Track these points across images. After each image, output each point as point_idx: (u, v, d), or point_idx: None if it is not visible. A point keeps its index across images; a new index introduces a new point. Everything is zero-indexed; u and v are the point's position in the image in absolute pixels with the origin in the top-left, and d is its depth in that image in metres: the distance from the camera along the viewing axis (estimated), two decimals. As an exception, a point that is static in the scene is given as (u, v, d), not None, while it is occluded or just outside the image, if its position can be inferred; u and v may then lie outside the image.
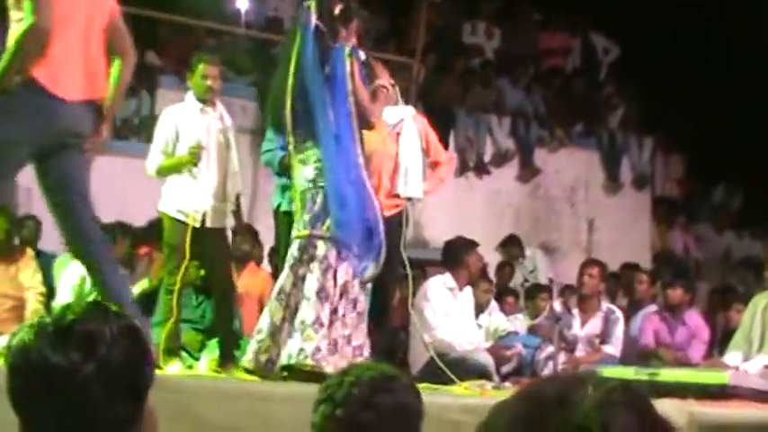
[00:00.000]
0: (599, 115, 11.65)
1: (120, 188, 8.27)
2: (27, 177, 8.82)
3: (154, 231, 7.14)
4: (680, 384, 5.81)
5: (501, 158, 10.75)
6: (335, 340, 4.58)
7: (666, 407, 5.14)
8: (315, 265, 4.63)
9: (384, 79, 5.09)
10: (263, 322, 4.69)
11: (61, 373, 1.64)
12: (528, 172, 10.86)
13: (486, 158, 10.67)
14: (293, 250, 4.72)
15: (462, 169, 10.34)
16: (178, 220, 5.68)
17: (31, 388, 1.67)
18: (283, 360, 4.55)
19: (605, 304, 7.32)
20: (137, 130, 9.40)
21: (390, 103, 5.36)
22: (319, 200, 4.70)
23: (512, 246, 9.85)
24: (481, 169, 10.57)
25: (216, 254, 5.76)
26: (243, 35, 10.22)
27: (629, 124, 11.73)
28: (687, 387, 5.39)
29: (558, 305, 7.01)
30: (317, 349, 4.50)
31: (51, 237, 8.03)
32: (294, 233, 4.77)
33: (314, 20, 4.74)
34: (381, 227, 4.79)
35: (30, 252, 6.44)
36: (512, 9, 12.12)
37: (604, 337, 7.12)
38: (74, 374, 1.64)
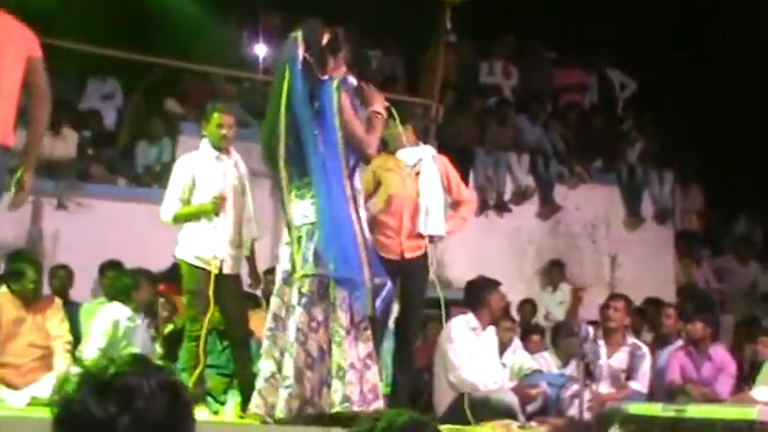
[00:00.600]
0: (618, 150, 11.65)
1: (142, 235, 8.35)
2: (54, 225, 9.03)
3: (173, 274, 7.21)
4: (707, 421, 5.77)
5: (521, 196, 10.77)
6: (370, 382, 4.59)
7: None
8: (333, 307, 4.61)
9: (378, 104, 4.97)
10: (288, 368, 4.61)
11: (100, 425, 1.68)
12: (548, 209, 10.86)
13: (506, 196, 10.68)
14: (302, 289, 4.65)
15: (482, 208, 10.36)
16: (197, 267, 5.74)
17: None
18: (328, 409, 4.52)
19: (631, 339, 7.28)
20: (158, 176, 9.49)
21: (384, 129, 5.19)
22: (316, 237, 4.64)
23: (553, 270, 10.11)
24: (501, 207, 10.58)
25: (232, 300, 5.80)
26: (261, 81, 10.32)
27: (648, 158, 11.73)
28: (715, 423, 5.35)
29: (585, 327, 6.96)
30: (360, 393, 4.51)
31: (79, 286, 8.14)
32: (297, 270, 4.67)
33: (301, 53, 4.68)
34: (365, 262, 4.64)
35: (58, 301, 6.49)
36: (526, 47, 12.20)
37: (630, 372, 7.07)
38: (111, 426, 1.67)
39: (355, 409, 4.45)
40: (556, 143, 11.29)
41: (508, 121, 11.14)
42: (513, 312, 9.02)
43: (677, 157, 11.61)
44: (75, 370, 6.01)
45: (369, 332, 4.70)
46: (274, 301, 4.81)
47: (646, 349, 7.24)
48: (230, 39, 10.79)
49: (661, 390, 7.28)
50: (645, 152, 11.77)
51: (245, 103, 10.22)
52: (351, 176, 4.72)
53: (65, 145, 9.30)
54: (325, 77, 4.74)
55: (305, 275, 4.64)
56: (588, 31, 11.45)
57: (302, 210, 4.69)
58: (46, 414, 4.74)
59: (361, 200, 4.86)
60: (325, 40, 4.79)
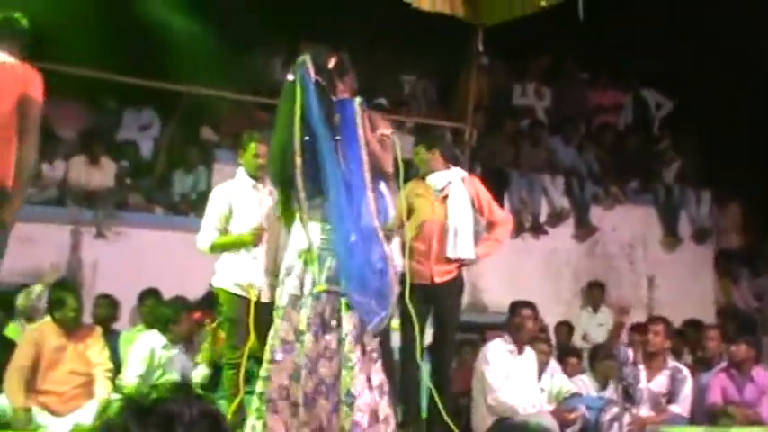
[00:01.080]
0: (654, 170, 11.60)
1: (179, 262, 8.40)
2: (92, 254, 9.12)
3: (208, 302, 7.26)
4: (750, 442, 5.71)
5: (557, 218, 10.73)
6: (375, 410, 4.48)
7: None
8: (344, 333, 4.48)
9: (384, 128, 4.92)
10: (299, 395, 4.48)
11: None
12: (584, 230, 10.81)
13: (542, 218, 10.65)
14: (310, 314, 4.52)
15: (518, 230, 10.33)
16: (236, 295, 5.78)
17: None
18: None
19: (671, 362, 7.22)
20: (194, 205, 9.57)
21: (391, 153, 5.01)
22: (330, 258, 4.54)
23: (593, 291, 10.14)
24: (537, 229, 10.55)
25: (268, 328, 5.81)
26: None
27: (685, 177, 11.66)
28: (758, 446, 5.29)
29: (624, 350, 6.92)
30: (371, 422, 4.43)
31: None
32: (311, 290, 4.56)
33: (313, 75, 4.66)
34: (391, 277, 4.52)
35: (98, 330, 6.57)
36: (559, 69, 12.19)
37: (671, 396, 7.01)
38: None
39: None
40: (591, 164, 11.25)
41: (542, 143, 11.13)
42: (551, 335, 8.96)
43: (715, 177, 11.53)
44: (116, 397, 6.07)
45: (380, 362, 4.60)
46: (282, 324, 4.64)
47: (687, 372, 7.18)
48: (264, 66, 10.89)
49: (702, 412, 7.20)
50: (682, 171, 11.71)
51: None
52: (374, 191, 4.63)
53: (102, 175, 9.42)
54: (340, 97, 4.73)
55: (319, 293, 4.51)
56: (622, 51, 11.44)
57: (318, 231, 4.59)
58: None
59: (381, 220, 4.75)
60: (331, 64, 4.79)
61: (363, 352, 4.49)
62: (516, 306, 6.87)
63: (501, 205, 8.80)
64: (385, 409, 4.52)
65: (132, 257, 8.88)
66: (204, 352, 7.01)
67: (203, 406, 1.78)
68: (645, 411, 6.94)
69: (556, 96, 11.95)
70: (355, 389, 4.40)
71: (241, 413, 5.74)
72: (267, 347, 4.63)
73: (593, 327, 9.87)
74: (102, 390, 6.15)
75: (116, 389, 6.21)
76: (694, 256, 11.22)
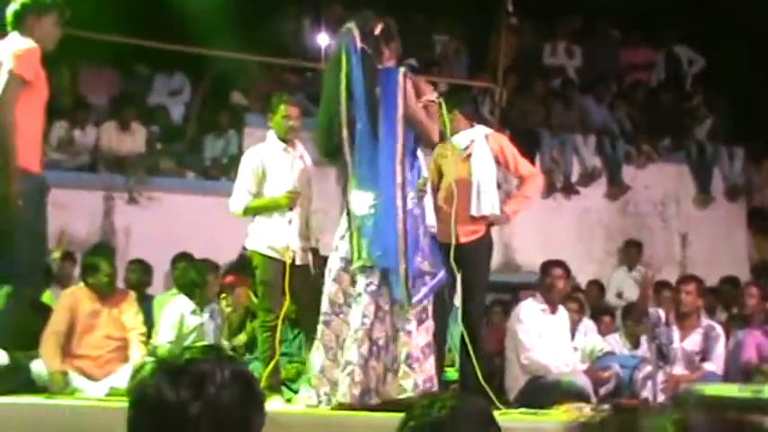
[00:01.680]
0: (686, 128, 11.48)
1: (211, 227, 8.46)
2: (125, 220, 9.20)
3: (240, 266, 7.30)
4: (786, 400, 5.67)
5: (588, 177, 10.67)
6: (426, 372, 4.64)
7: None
8: (389, 297, 4.64)
9: (430, 94, 5.03)
10: (352, 355, 4.63)
11: (172, 410, 1.72)
12: (617, 189, 10.75)
13: (574, 178, 10.59)
14: (368, 278, 4.67)
15: (550, 190, 10.29)
16: (271, 258, 5.77)
17: (146, 421, 1.76)
18: (395, 395, 4.56)
19: (705, 321, 7.18)
20: (226, 169, 9.61)
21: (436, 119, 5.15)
22: (370, 226, 4.67)
23: (630, 250, 10.17)
24: (569, 189, 10.50)
25: (305, 290, 5.83)
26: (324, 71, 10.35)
27: (718, 135, 11.54)
28: (793, 402, 5.26)
29: (655, 312, 6.87)
30: (419, 382, 4.56)
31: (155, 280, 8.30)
32: (355, 260, 4.69)
33: (359, 42, 4.70)
34: (401, 251, 4.62)
35: (132, 294, 6.62)
36: (591, 27, 12.06)
37: (705, 353, 6.98)
38: (183, 412, 1.71)
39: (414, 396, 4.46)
40: (622, 123, 11.16)
41: (573, 103, 11.04)
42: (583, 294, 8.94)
43: (748, 134, 11.39)
44: (150, 360, 6.14)
45: (429, 322, 4.74)
46: (331, 286, 4.80)
47: (720, 329, 7.14)
48: (292, 29, 10.86)
49: (737, 370, 7.17)
50: (714, 129, 11.58)
51: (309, 94, 10.28)
52: (403, 164, 4.70)
53: (134, 140, 9.47)
54: (384, 66, 4.77)
55: (365, 265, 4.66)
56: (654, 7, 11.29)
57: (361, 198, 4.71)
58: (125, 404, 4.85)
59: (410, 189, 4.78)
60: (378, 30, 4.81)
61: (415, 315, 4.63)
62: (547, 266, 6.85)
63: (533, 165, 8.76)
64: (427, 369, 4.65)
65: (164, 222, 8.94)
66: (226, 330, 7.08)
67: (235, 367, 1.79)
68: (678, 370, 6.92)
69: (586, 55, 11.83)
70: (413, 351, 4.56)
71: (276, 376, 5.80)
72: (321, 309, 4.77)
73: (629, 285, 9.83)
74: (137, 354, 6.22)
75: (150, 353, 6.28)
76: (727, 214, 11.13)
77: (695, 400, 5.62)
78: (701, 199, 11.07)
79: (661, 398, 6.40)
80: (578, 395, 6.27)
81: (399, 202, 4.63)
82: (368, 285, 4.67)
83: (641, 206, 10.89)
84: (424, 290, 4.69)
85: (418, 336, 4.65)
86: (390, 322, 4.64)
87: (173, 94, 10.41)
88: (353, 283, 4.75)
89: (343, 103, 4.66)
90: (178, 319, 6.67)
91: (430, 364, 4.72)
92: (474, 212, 5.88)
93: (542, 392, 6.28)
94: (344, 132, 4.68)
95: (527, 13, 10.81)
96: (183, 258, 7.81)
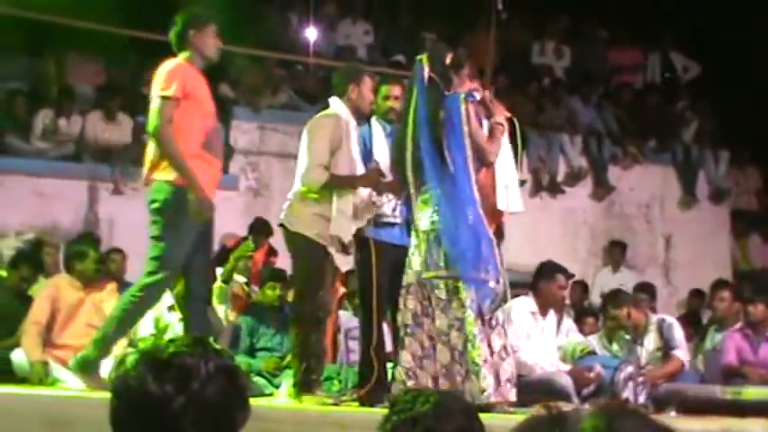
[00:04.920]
0: (672, 130, 11.52)
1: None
2: (109, 210, 9.15)
3: (221, 259, 7.27)
4: (765, 403, 5.70)
5: (574, 177, 10.70)
6: (507, 372, 4.99)
7: (752, 427, 5.05)
8: (464, 307, 4.89)
9: (500, 115, 5.30)
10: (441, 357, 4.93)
11: (155, 402, 1.71)
12: (602, 190, 10.78)
13: (560, 178, 10.62)
14: (438, 293, 4.95)
15: (536, 189, 10.31)
16: (317, 244, 5.33)
17: (128, 413, 1.75)
18: (473, 400, 4.73)
19: (654, 316, 7.20)
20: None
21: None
22: (442, 241, 4.96)
23: (614, 250, 10.26)
24: (555, 188, 10.53)
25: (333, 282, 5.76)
26: (314, 65, 10.34)
27: (703, 138, 11.58)
28: (773, 405, 5.28)
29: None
30: (496, 385, 4.90)
31: (133, 269, 8.24)
32: (425, 273, 4.98)
33: (427, 72, 5.06)
34: (496, 260, 4.99)
35: (113, 284, 6.59)
36: (580, 27, 12.08)
37: (667, 344, 6.96)
38: (166, 405, 1.70)
39: (492, 400, 4.84)
40: (609, 124, 11.19)
41: (561, 103, 11.06)
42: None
43: (733, 137, 11.44)
44: (131, 351, 6.11)
45: (500, 327, 5.05)
46: (410, 301, 5.05)
47: (671, 318, 7.19)
48: (281, 23, 10.84)
49: (717, 372, 7.20)
50: (700, 132, 11.62)
51: (296, 88, 10.27)
52: (470, 180, 5.04)
53: (119, 131, 9.42)
54: (451, 93, 5.07)
55: (436, 277, 4.96)
56: (643, 8, 11.32)
57: (427, 216, 4.99)
58: (105, 395, 4.83)
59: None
60: (448, 60, 5.14)
61: (483, 322, 4.95)
62: (552, 270, 6.73)
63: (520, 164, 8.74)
64: (507, 371, 5.00)
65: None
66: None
67: (219, 361, 1.78)
68: (651, 367, 6.92)
69: (575, 55, 11.84)
70: (480, 359, 4.86)
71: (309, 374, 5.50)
72: (400, 320, 5.09)
73: (613, 286, 9.82)
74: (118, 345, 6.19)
75: (130, 344, 6.25)
76: (711, 216, 11.18)
77: (619, 406, 5.64)
78: (686, 201, 11.11)
79: (642, 398, 6.42)
80: (559, 394, 6.27)
81: (483, 217, 4.99)
82: (439, 301, 4.96)
83: (626, 207, 10.93)
84: (492, 296, 5.01)
85: (488, 342, 4.95)
86: (465, 330, 4.89)
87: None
88: (427, 296, 5.02)
89: (410, 129, 5.05)
90: (156, 313, 6.62)
91: (509, 365, 5.03)
92: (503, 207, 5.87)
93: (524, 391, 6.27)
94: (408, 154, 5.05)
95: (516, 12, 10.82)
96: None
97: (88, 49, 9.95)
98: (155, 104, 5.05)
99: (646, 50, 12.27)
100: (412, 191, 5.08)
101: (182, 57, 5.20)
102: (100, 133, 9.36)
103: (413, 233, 5.14)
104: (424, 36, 11.44)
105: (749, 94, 10.97)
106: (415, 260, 5.07)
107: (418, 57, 5.18)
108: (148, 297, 5.10)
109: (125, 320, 5.17)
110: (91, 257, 6.30)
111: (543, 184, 10.47)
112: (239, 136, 9.68)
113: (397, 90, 5.73)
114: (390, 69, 9.13)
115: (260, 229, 8.33)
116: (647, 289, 8.76)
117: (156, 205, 5.02)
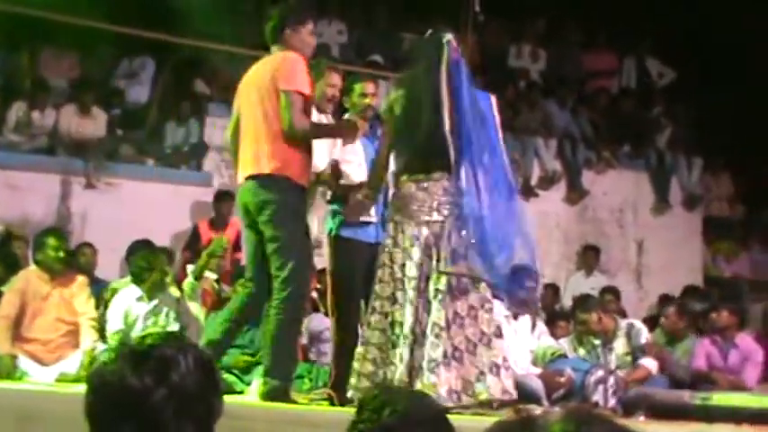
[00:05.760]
0: (647, 136, 11.57)
1: (168, 215, 8.39)
2: (82, 204, 9.09)
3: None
4: (734, 409, 5.74)
5: (548, 181, 10.73)
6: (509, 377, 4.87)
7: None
8: (474, 307, 4.77)
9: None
10: (438, 353, 4.68)
11: (135, 395, 1.69)
12: (576, 194, 10.82)
13: (533, 181, 10.65)
14: (438, 286, 4.74)
15: (509, 192, 10.31)
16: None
17: (106, 407, 1.73)
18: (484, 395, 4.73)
19: (623, 321, 7.23)
20: (186, 157, 9.53)
21: None
22: (454, 235, 4.77)
23: (588, 255, 10.25)
24: (528, 192, 10.54)
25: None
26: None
27: (677, 144, 11.64)
28: (741, 412, 5.32)
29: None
30: (501, 389, 4.77)
31: (105, 264, 8.20)
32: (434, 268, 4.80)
33: (460, 57, 4.85)
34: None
35: (83, 278, 6.54)
36: (556, 31, 12.11)
37: (634, 352, 6.99)
38: (146, 397, 1.69)
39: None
40: (584, 128, 11.22)
41: (536, 106, 11.08)
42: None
43: (706, 144, 11.52)
44: (102, 346, 6.07)
45: (501, 332, 4.92)
46: (411, 294, 4.81)
47: (639, 324, 7.21)
48: (258, 19, 10.78)
49: (686, 377, 7.23)
50: (674, 138, 11.68)
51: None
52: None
53: (94, 124, 9.35)
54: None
55: (443, 273, 4.74)
56: (619, 13, 11.37)
57: (441, 206, 4.80)
58: (74, 390, 4.79)
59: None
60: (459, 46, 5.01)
61: (490, 324, 4.80)
62: (531, 277, 6.73)
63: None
64: (511, 374, 4.90)
65: (121, 209, 8.84)
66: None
67: (197, 354, 1.77)
68: (620, 373, 6.95)
69: (551, 59, 11.86)
70: (497, 359, 4.75)
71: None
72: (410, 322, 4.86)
73: (586, 290, 9.86)
74: (88, 339, 6.15)
75: (102, 339, 6.21)
76: (683, 222, 11.24)
77: (588, 411, 5.67)
78: (659, 207, 11.17)
79: (612, 402, 6.44)
80: (530, 398, 6.29)
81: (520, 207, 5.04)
82: (437, 293, 4.74)
83: (599, 212, 10.97)
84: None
85: (495, 347, 4.82)
86: (475, 327, 4.75)
87: (135, 79, 10.28)
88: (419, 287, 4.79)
89: (447, 117, 4.76)
90: (125, 307, 6.55)
91: (510, 370, 4.93)
92: None
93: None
94: (450, 145, 4.76)
95: (493, 14, 10.83)
96: (137, 245, 7.70)
97: (62, 43, 9.87)
98: (287, 99, 4.81)
99: (621, 55, 12.31)
100: (420, 177, 4.81)
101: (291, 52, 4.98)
102: (74, 127, 9.29)
103: (409, 225, 4.85)
104: (402, 36, 11.45)
105: (727, 101, 11.04)
106: (415, 252, 4.80)
107: (446, 36, 4.89)
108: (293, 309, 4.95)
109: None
110: (50, 245, 6.22)
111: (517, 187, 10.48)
112: (214, 132, 9.63)
113: (371, 87, 5.70)
114: (366, 69, 9.11)
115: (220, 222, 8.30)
116: (612, 291, 8.86)
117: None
